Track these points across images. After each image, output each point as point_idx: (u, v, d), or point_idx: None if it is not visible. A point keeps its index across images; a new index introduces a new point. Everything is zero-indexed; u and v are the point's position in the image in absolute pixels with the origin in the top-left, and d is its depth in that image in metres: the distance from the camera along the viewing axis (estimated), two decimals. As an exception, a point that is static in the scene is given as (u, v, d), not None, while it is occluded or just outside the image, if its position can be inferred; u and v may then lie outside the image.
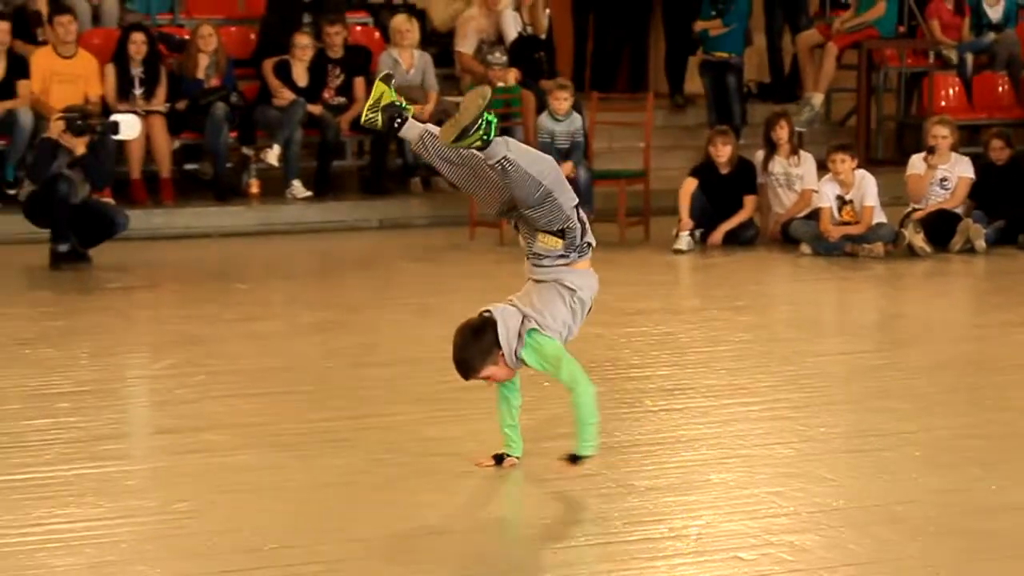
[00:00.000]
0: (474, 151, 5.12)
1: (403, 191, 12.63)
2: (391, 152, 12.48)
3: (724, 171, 11.04)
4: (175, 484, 5.27)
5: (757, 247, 10.93)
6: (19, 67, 11.75)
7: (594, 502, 5.03)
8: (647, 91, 13.26)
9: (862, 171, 10.66)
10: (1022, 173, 11.06)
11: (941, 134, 10.87)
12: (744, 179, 11.06)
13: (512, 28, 12.79)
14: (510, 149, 5.07)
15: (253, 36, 12.98)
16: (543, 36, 13.04)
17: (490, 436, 5.46)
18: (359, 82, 12.24)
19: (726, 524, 4.79)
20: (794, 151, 11.07)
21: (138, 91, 11.96)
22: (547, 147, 11.21)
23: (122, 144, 11.21)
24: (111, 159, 10.80)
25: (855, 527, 4.72)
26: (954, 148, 10.96)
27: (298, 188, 12.19)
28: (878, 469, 5.40)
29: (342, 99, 12.23)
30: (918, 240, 10.40)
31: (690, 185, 10.94)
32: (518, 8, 12.91)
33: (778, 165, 11.06)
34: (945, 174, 10.88)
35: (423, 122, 5.45)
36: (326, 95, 12.25)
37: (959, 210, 10.81)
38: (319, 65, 12.34)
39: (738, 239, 10.96)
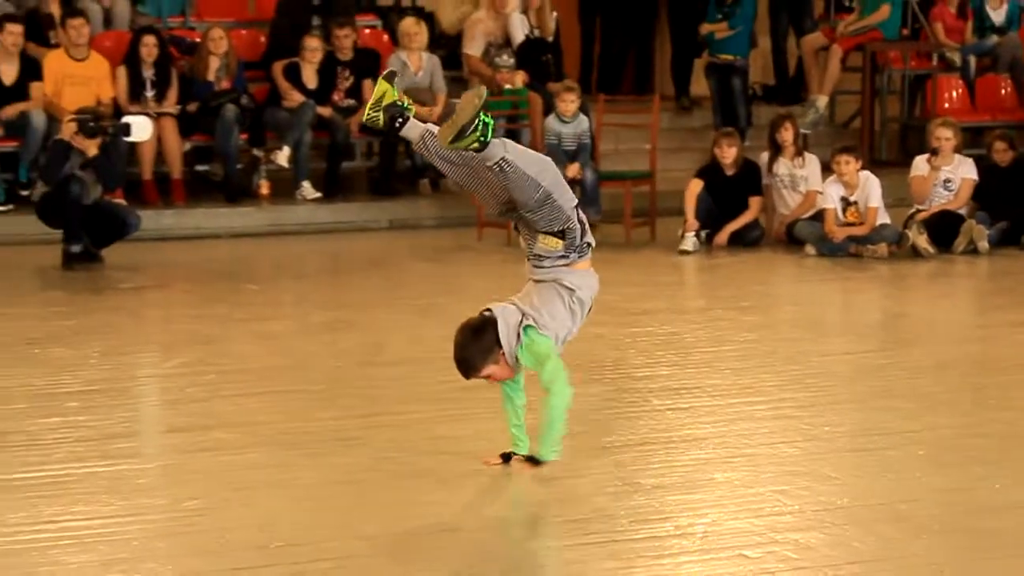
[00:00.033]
0: (472, 152, 5.12)
1: (412, 192, 12.66)
2: (400, 154, 12.51)
3: (729, 172, 11.06)
4: (186, 482, 5.29)
5: (762, 248, 10.95)
6: (32, 69, 11.78)
7: (601, 500, 5.03)
8: (653, 93, 13.28)
9: (866, 172, 10.68)
10: (1025, 174, 11.11)
11: (944, 136, 10.89)
12: (749, 180, 11.08)
13: (519, 31, 12.81)
14: (508, 150, 5.08)
15: (263, 39, 13.01)
16: (550, 39, 13.04)
17: (497, 435, 5.44)
18: (368, 84, 12.24)
19: (731, 522, 4.81)
20: (799, 153, 11.10)
21: (149, 93, 12.00)
22: (554, 149, 11.27)
23: (134, 146, 11.27)
24: (123, 160, 10.82)
25: (859, 525, 4.74)
26: (957, 150, 10.98)
27: (308, 189, 12.22)
28: (882, 468, 5.41)
29: (351, 101, 12.27)
30: (922, 241, 10.42)
31: (696, 186, 10.96)
32: (525, 11, 12.92)
33: (783, 167, 11.09)
34: (948, 176, 10.92)
35: (427, 123, 5.43)
36: (335, 97, 12.28)
37: (962, 211, 10.84)
38: (328, 67, 12.37)
39: (743, 240, 10.97)
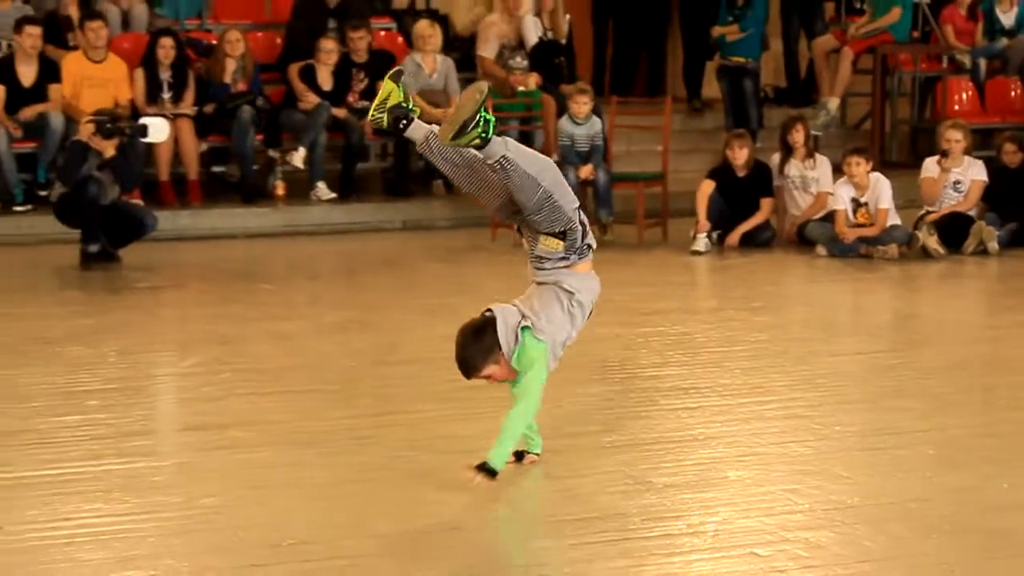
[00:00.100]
0: (473, 150, 5.09)
1: (426, 193, 12.69)
2: (414, 155, 12.52)
3: (741, 174, 11.09)
4: (201, 480, 5.30)
5: (773, 249, 10.97)
6: (50, 71, 11.85)
7: (613, 499, 5.04)
8: (665, 95, 13.29)
9: (877, 174, 10.69)
10: (1034, 176, 11.11)
11: (954, 138, 10.91)
12: (760, 182, 11.11)
13: (533, 33, 12.84)
14: (509, 149, 5.03)
15: (279, 41, 13.06)
16: (563, 41, 13.06)
17: None
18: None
19: (743, 521, 4.81)
20: (810, 154, 11.12)
21: (167, 95, 12.06)
22: (567, 150, 11.32)
23: (151, 147, 11.32)
24: (140, 161, 10.87)
25: (870, 524, 4.74)
26: (967, 152, 11.00)
27: (323, 190, 12.27)
28: (893, 467, 5.41)
29: (366, 103, 12.24)
30: (932, 242, 10.44)
31: (707, 187, 10.99)
32: (539, 14, 12.94)
33: (794, 168, 11.11)
34: (958, 177, 10.93)
35: (432, 124, 5.41)
36: (350, 99, 12.33)
37: (972, 213, 10.86)
38: (344, 69, 12.41)
39: (754, 241, 11.00)
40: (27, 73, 11.81)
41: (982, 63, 14.01)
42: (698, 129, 14.15)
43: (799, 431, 5.93)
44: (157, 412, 6.72)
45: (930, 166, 11.04)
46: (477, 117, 4.96)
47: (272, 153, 12.41)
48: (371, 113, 5.35)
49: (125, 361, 7.41)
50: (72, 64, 11.97)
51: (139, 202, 11.23)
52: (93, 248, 10.09)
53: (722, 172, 11.13)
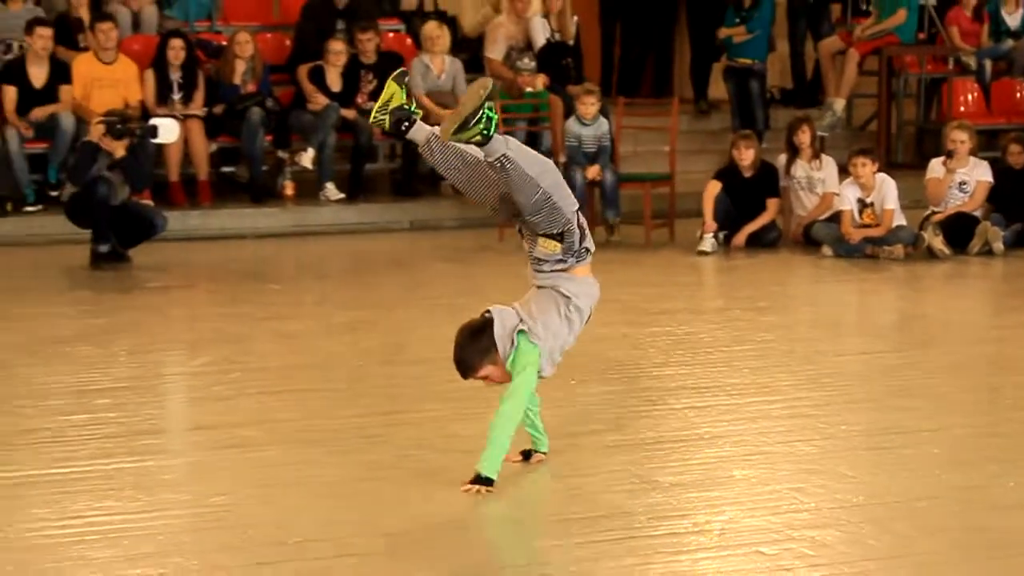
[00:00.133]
0: (475, 149, 5.09)
1: (434, 193, 12.71)
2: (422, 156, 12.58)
3: (747, 174, 11.10)
4: (211, 478, 5.32)
5: (779, 249, 10.98)
6: (61, 72, 11.89)
7: (619, 497, 5.04)
8: (672, 96, 13.26)
9: (882, 175, 10.71)
10: (1039, 177, 11.11)
11: (960, 139, 10.92)
12: (767, 182, 11.12)
13: (540, 35, 12.86)
14: (510, 148, 5.01)
15: (288, 42, 13.08)
16: (571, 42, 13.07)
17: (518, 432, 5.32)
18: (391, 89, 12.36)
19: (748, 519, 4.82)
20: (816, 155, 11.13)
21: (176, 96, 12.10)
22: (574, 151, 11.35)
23: (161, 147, 11.36)
24: (150, 162, 10.91)
25: (875, 523, 4.75)
26: (972, 152, 11.00)
27: (331, 190, 12.30)
28: (898, 466, 5.42)
29: (374, 104, 12.31)
30: (937, 242, 10.45)
31: (714, 188, 11.01)
32: (546, 15, 12.95)
33: (800, 169, 11.12)
34: (964, 178, 10.94)
35: (434, 126, 5.39)
36: (359, 100, 12.34)
37: (977, 213, 10.87)
38: (352, 71, 12.44)
39: (761, 241, 11.01)
40: (38, 74, 11.85)
41: (987, 64, 14.01)
42: (705, 130, 14.16)
43: (805, 430, 5.94)
44: (167, 411, 6.74)
45: (935, 167, 11.05)
46: (480, 113, 4.94)
47: (281, 154, 12.43)
48: (373, 115, 5.36)
49: (135, 360, 7.44)
50: (83, 65, 12.01)
51: (149, 202, 11.26)
52: (103, 248, 10.11)
53: (729, 173, 11.14)
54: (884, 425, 6.04)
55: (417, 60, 12.67)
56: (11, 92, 11.78)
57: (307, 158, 12.15)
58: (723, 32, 13.71)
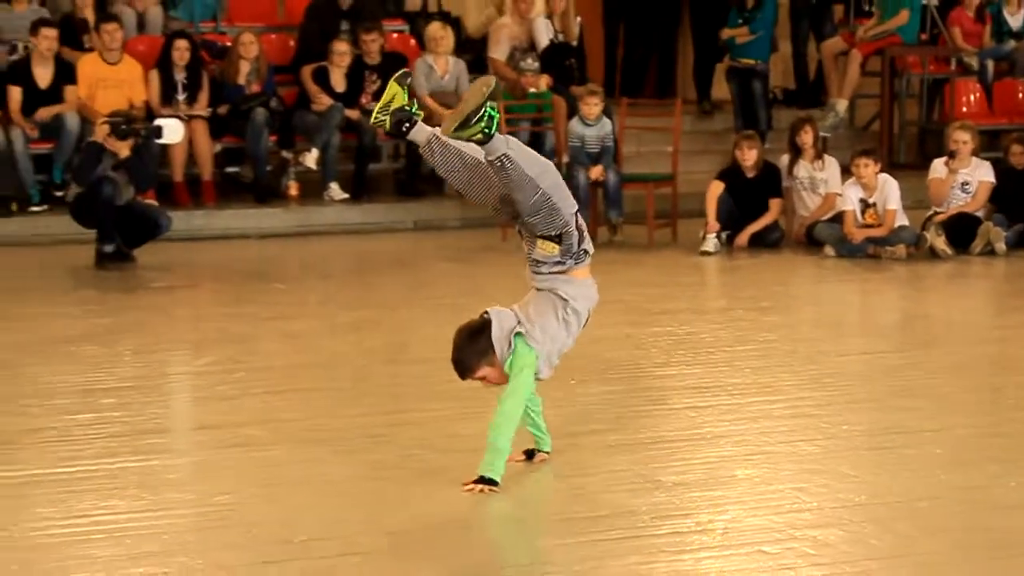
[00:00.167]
0: (475, 149, 5.09)
1: (437, 193, 12.73)
2: (425, 156, 12.60)
3: (750, 175, 11.13)
4: (215, 477, 5.34)
5: (782, 249, 11.01)
6: (66, 73, 11.93)
7: (622, 497, 5.05)
8: (675, 97, 13.35)
9: (885, 175, 10.73)
10: (1041, 177, 11.13)
11: (962, 139, 10.95)
12: (769, 183, 11.15)
13: (544, 35, 12.90)
14: (510, 147, 5.00)
15: (292, 43, 13.13)
16: (574, 43, 13.12)
17: (520, 432, 5.36)
18: (396, 90, 12.38)
19: (751, 519, 4.83)
20: (818, 155, 11.16)
21: (181, 96, 12.14)
22: (578, 151, 11.38)
23: (165, 148, 11.36)
24: (155, 162, 10.91)
25: (877, 523, 4.76)
26: (975, 153, 11.03)
27: (335, 190, 12.33)
28: (900, 466, 5.43)
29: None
30: (939, 243, 10.47)
31: (717, 188, 11.04)
32: (550, 16, 13.00)
33: (803, 169, 11.14)
34: (966, 178, 10.97)
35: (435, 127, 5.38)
36: (363, 100, 12.36)
37: (980, 213, 10.90)
38: (356, 71, 12.47)
39: (763, 241, 11.04)
40: (43, 75, 11.89)
41: (990, 65, 14.04)
42: (708, 130, 14.19)
43: (807, 430, 5.94)
44: (172, 410, 6.74)
45: (938, 167, 11.08)
46: (482, 111, 4.94)
47: (285, 154, 12.46)
48: (374, 115, 5.35)
49: (140, 360, 7.45)
50: (88, 66, 12.04)
51: (154, 202, 11.28)
52: (108, 248, 10.14)
53: (731, 173, 11.17)
54: (886, 425, 6.04)
55: (421, 61, 12.69)
56: (16, 92, 11.82)
57: (311, 158, 12.20)
58: (726, 33, 13.74)
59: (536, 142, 12.44)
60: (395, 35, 13.56)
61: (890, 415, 6.22)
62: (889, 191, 10.61)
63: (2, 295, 9.39)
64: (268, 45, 12.83)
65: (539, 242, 5.19)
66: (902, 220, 10.62)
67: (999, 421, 6.18)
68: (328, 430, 5.98)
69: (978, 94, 14.05)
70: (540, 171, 5.07)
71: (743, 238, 11.04)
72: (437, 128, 5.30)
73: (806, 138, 11.14)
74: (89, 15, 12.58)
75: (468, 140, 5.02)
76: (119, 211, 10.12)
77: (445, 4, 14.60)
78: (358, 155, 12.47)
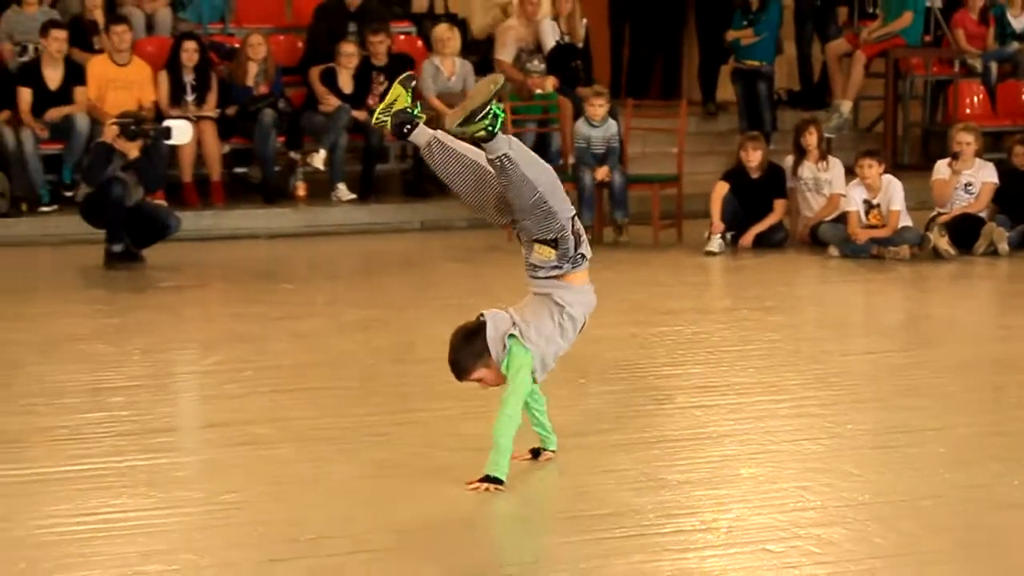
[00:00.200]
0: (476, 150, 5.10)
1: (444, 194, 12.62)
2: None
3: (755, 176, 11.16)
4: (223, 476, 5.35)
5: (786, 249, 11.03)
6: (76, 74, 11.98)
7: (628, 495, 5.06)
8: (680, 98, 13.35)
9: (889, 176, 10.75)
10: (1045, 178, 11.13)
11: (965, 140, 10.97)
12: (774, 183, 11.17)
13: (550, 37, 12.92)
14: (512, 148, 5.00)
15: (300, 45, 13.15)
16: (580, 45, 13.11)
17: (525, 431, 5.40)
18: (402, 91, 12.42)
19: (755, 517, 4.84)
20: (823, 156, 11.18)
21: (190, 97, 12.18)
22: (583, 152, 11.41)
23: (174, 148, 11.42)
24: (163, 163, 10.97)
25: (881, 521, 4.77)
26: (978, 154, 11.05)
27: (343, 191, 12.37)
28: (904, 465, 5.43)
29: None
30: (943, 243, 10.50)
31: (722, 189, 11.06)
32: (556, 18, 13.01)
33: (807, 170, 11.17)
34: (969, 179, 10.99)
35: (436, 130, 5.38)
36: (370, 101, 12.36)
37: (983, 214, 10.92)
38: (364, 73, 12.50)
39: (768, 242, 11.06)
40: (53, 76, 11.93)
41: (993, 67, 14.04)
42: (713, 132, 14.22)
43: (812, 429, 5.95)
44: (180, 409, 6.76)
45: (941, 168, 11.10)
46: (487, 108, 4.95)
47: (293, 155, 12.49)
48: (376, 116, 5.36)
49: (149, 359, 7.47)
50: (97, 67, 12.08)
51: (162, 203, 11.32)
52: (117, 248, 10.17)
53: (736, 174, 11.19)
54: (890, 424, 6.04)
55: (428, 62, 12.73)
56: (26, 94, 11.86)
57: (319, 159, 12.22)
58: (731, 35, 13.76)
59: (542, 143, 12.50)
60: (402, 37, 13.57)
61: (894, 414, 6.23)
62: (893, 192, 10.63)
63: (12, 294, 9.43)
64: (276, 47, 12.86)
65: (536, 246, 5.18)
66: (906, 221, 10.64)
67: (1002, 420, 6.19)
68: (335, 429, 5.99)
69: (981, 96, 14.06)
70: (538, 174, 5.07)
71: (748, 238, 11.07)
72: (438, 131, 5.32)
73: (810, 139, 11.16)
74: (99, 17, 12.62)
75: (471, 137, 5.03)
76: (128, 211, 10.15)
77: (452, 6, 14.65)
78: (365, 156, 12.50)
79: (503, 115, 5.05)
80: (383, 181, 12.93)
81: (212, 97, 12.25)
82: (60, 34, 11.92)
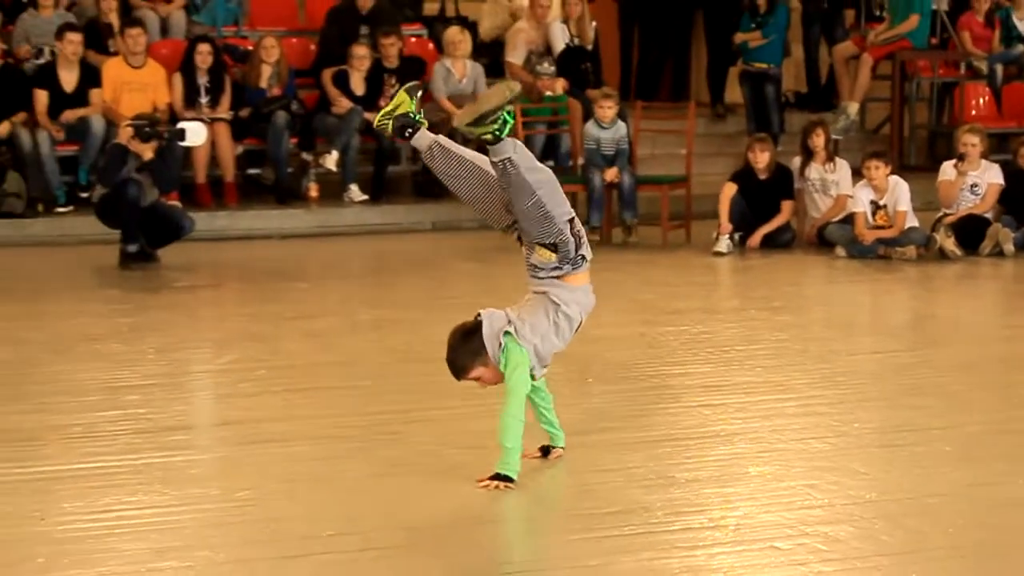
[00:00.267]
0: (476, 153, 5.14)
1: (455, 195, 12.81)
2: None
3: (762, 177, 11.18)
4: (237, 473, 5.36)
5: (794, 250, 11.05)
6: (91, 77, 12.03)
7: (636, 493, 5.07)
8: (689, 100, 13.40)
9: (895, 177, 10.76)
10: (1050, 180, 11.13)
11: (971, 142, 10.98)
12: (782, 185, 11.20)
13: (560, 39, 12.96)
14: (516, 152, 5.02)
15: (313, 47, 13.20)
16: (590, 47, 13.17)
17: (535, 429, 5.44)
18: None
19: (763, 515, 4.85)
20: (830, 158, 11.20)
21: (204, 99, 12.23)
22: (593, 154, 11.45)
23: (188, 150, 11.42)
24: (178, 164, 11.04)
25: (888, 519, 4.77)
26: (984, 155, 11.06)
27: (355, 192, 12.40)
28: (910, 463, 5.44)
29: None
30: (949, 244, 10.51)
31: (730, 190, 11.08)
32: (566, 20, 13.06)
33: (814, 171, 11.18)
34: (975, 180, 11.00)
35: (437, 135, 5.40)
36: (382, 103, 12.34)
37: (989, 215, 10.92)
38: (375, 75, 12.54)
39: (776, 242, 11.09)
40: (69, 78, 11.99)
41: (999, 69, 14.06)
42: (721, 133, 14.24)
43: (819, 428, 5.95)
44: (194, 407, 6.77)
45: (947, 169, 11.10)
46: (499, 113, 4.98)
47: (306, 156, 12.52)
48: (377, 119, 5.39)
49: (164, 358, 7.49)
50: (112, 69, 12.14)
51: (177, 204, 11.32)
52: (132, 248, 10.20)
53: (744, 175, 11.22)
54: (897, 423, 6.04)
55: (439, 64, 12.78)
56: (43, 96, 11.92)
57: (331, 160, 12.25)
58: (739, 37, 13.80)
59: (551, 145, 12.55)
60: (413, 39, 13.61)
61: (900, 413, 6.23)
62: (899, 193, 10.65)
63: (29, 294, 9.45)
64: (289, 49, 12.90)
65: (537, 248, 5.19)
66: (912, 222, 10.65)
67: (1008, 419, 6.18)
68: (348, 427, 6.01)
69: (987, 98, 14.08)
70: (538, 178, 5.09)
71: (755, 239, 11.09)
72: (440, 136, 5.35)
73: (818, 141, 11.18)
74: (114, 20, 12.67)
75: (478, 138, 5.06)
76: (143, 212, 10.18)
77: (463, 8, 14.69)
78: (377, 157, 12.54)
79: (512, 121, 5.08)
80: (395, 182, 12.95)
81: (226, 99, 12.30)
82: (76, 37, 11.96)
